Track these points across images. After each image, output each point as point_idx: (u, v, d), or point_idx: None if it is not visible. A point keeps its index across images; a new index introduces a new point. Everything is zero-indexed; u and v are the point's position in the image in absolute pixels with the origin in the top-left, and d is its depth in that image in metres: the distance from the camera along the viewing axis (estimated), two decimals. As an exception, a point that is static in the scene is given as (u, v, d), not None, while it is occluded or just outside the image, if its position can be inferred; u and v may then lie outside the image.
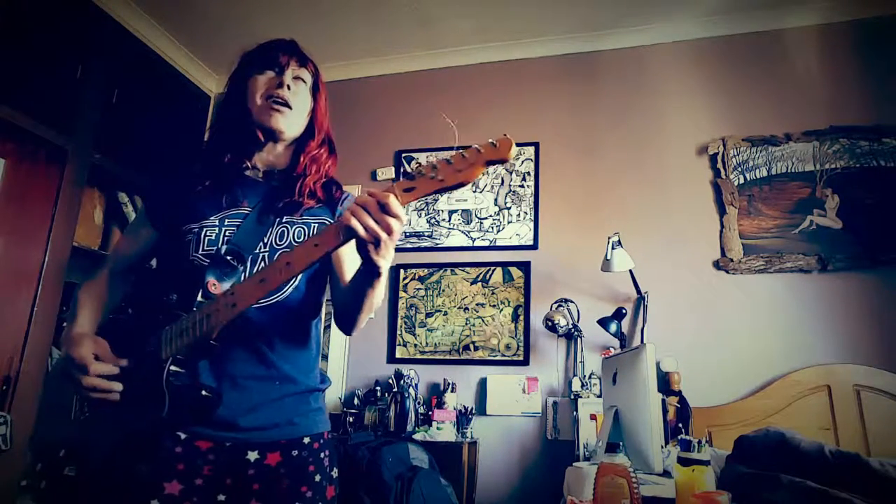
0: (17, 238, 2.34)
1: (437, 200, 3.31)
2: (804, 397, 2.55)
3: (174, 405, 0.99)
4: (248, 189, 1.18)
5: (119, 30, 3.00)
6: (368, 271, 0.98)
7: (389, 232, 0.88)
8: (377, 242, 0.89)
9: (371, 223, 0.87)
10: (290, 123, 1.18)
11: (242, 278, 1.08)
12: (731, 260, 2.81)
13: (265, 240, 1.12)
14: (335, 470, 1.15)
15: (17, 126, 2.36)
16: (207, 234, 1.11)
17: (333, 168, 1.26)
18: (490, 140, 0.85)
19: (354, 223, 0.88)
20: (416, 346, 3.12)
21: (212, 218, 1.12)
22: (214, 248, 1.09)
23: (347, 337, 3.20)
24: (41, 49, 2.50)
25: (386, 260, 0.93)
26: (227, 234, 1.11)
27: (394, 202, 0.87)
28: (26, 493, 2.03)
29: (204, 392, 1.01)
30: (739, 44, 3.09)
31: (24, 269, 2.35)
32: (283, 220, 1.15)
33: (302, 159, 1.20)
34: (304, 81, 1.21)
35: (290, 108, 1.16)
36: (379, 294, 1.05)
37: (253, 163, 1.20)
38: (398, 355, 3.12)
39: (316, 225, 1.17)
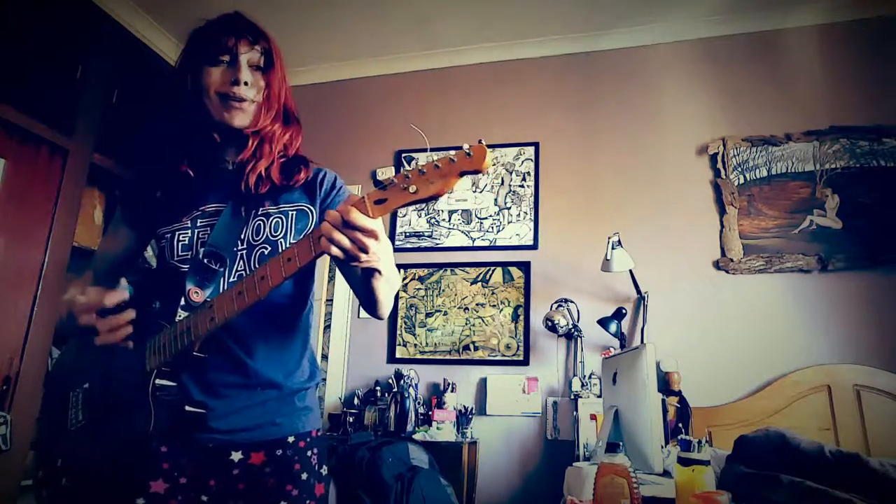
0: (17, 238, 2.34)
1: (436, 200, 3.31)
2: (804, 397, 2.55)
3: (160, 419, 0.98)
4: (219, 183, 1.13)
5: (119, 30, 3.00)
6: (367, 273, 0.95)
7: (366, 250, 0.84)
8: (355, 260, 0.85)
9: (345, 243, 0.83)
10: (250, 118, 1.10)
11: (222, 281, 1.05)
12: (731, 260, 2.81)
13: (242, 237, 1.08)
14: (325, 467, 1.14)
15: (17, 126, 2.36)
16: (180, 238, 1.07)
17: (297, 140, 1.16)
18: (465, 149, 0.79)
19: (325, 244, 0.83)
20: (416, 346, 3.12)
21: (183, 220, 1.09)
22: (189, 252, 1.06)
23: (347, 337, 3.21)
24: (41, 49, 2.50)
25: (380, 262, 0.89)
26: (201, 235, 1.07)
27: (356, 216, 0.82)
28: (28, 493, 2.03)
29: (188, 408, 0.99)
30: (740, 44, 3.09)
31: (24, 269, 2.35)
32: (259, 212, 1.10)
33: (250, 143, 1.10)
34: (259, 66, 1.11)
35: (247, 101, 1.09)
36: (388, 285, 1.00)
37: (223, 155, 1.14)
38: (398, 355, 3.12)
39: (294, 213, 1.12)
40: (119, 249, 1.20)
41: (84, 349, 1.09)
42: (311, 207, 1.14)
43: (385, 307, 1.07)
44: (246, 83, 1.08)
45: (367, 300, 1.05)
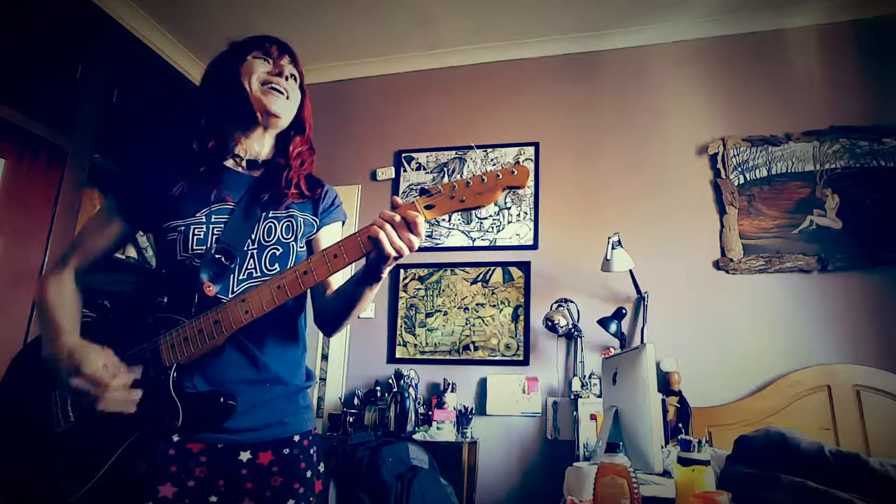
0: (17, 238, 2.34)
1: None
2: (804, 397, 2.55)
3: (188, 413, 0.98)
4: (231, 181, 1.15)
5: (119, 30, 3.00)
6: (370, 278, 1.02)
7: (412, 249, 0.95)
8: (399, 258, 0.95)
9: (398, 241, 0.94)
10: (286, 111, 1.18)
11: (232, 278, 1.07)
12: (731, 260, 2.81)
13: (253, 236, 1.11)
14: (322, 464, 1.16)
15: (17, 126, 2.36)
16: (196, 232, 1.07)
17: (311, 167, 1.27)
18: (511, 167, 0.93)
19: (382, 237, 0.93)
20: (416, 346, 3.12)
21: (197, 215, 1.09)
22: (204, 246, 1.07)
23: (347, 337, 3.21)
24: (41, 49, 2.50)
25: (390, 268, 1.00)
26: (215, 231, 1.08)
27: (422, 223, 0.93)
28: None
29: (223, 399, 1.00)
30: (739, 44, 3.09)
31: (24, 269, 2.35)
32: (270, 214, 1.14)
33: (291, 150, 1.21)
34: (296, 79, 1.21)
35: (286, 97, 1.17)
36: (371, 298, 1.09)
37: (236, 151, 1.18)
38: (398, 355, 3.11)
39: (302, 220, 1.17)
40: (108, 242, 1.17)
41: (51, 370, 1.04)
42: (315, 218, 1.20)
43: (348, 324, 1.15)
44: (287, 79, 1.17)
45: (342, 313, 1.13)
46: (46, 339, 1.06)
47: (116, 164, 2.86)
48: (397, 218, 0.93)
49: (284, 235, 1.13)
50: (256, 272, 1.09)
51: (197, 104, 1.22)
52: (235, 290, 1.07)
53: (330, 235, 1.22)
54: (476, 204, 0.94)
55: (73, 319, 1.09)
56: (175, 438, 1.02)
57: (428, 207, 0.95)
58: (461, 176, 3.31)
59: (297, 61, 1.23)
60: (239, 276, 1.08)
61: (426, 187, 0.95)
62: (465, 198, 0.93)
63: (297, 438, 1.10)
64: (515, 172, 0.93)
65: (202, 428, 1.01)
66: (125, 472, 0.99)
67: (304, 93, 1.24)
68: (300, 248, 1.16)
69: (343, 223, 1.28)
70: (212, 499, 1.02)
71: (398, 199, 0.97)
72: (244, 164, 1.19)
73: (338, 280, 1.14)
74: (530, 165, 3.23)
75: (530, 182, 0.98)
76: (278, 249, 1.12)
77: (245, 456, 1.04)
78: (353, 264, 1.01)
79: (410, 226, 0.94)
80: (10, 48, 2.36)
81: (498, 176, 0.92)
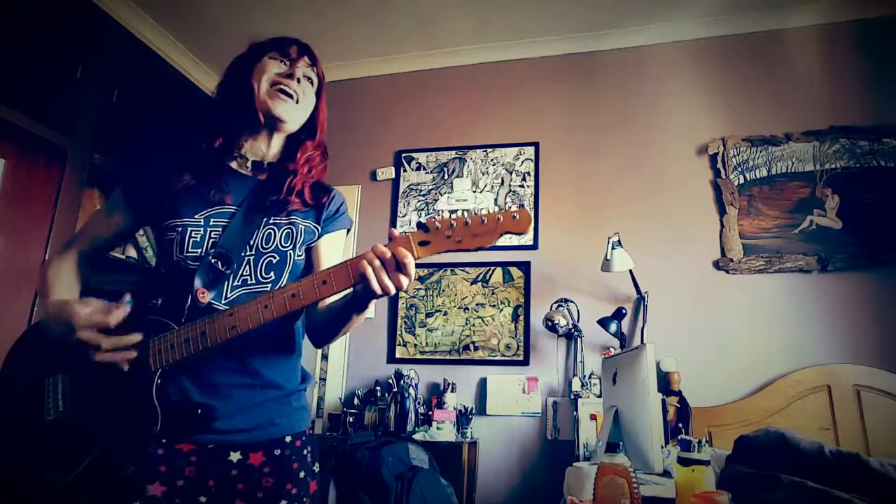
0: (17, 238, 2.34)
1: (437, 200, 3.32)
2: (804, 397, 2.55)
3: (167, 419, 0.98)
4: (234, 183, 1.13)
5: (119, 30, 3.00)
6: (357, 305, 1.02)
7: (400, 289, 0.93)
8: (385, 295, 0.93)
9: (386, 280, 0.92)
10: (293, 116, 1.15)
11: (227, 284, 1.06)
12: (731, 260, 2.81)
13: (251, 242, 1.09)
14: (317, 465, 1.15)
15: (17, 126, 2.36)
16: (192, 234, 1.06)
17: (324, 173, 1.23)
18: (513, 212, 0.90)
19: (370, 275, 0.91)
20: (416, 346, 3.12)
21: (196, 216, 1.08)
22: (200, 249, 1.05)
23: (347, 337, 3.21)
24: (41, 49, 2.50)
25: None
26: (212, 235, 1.07)
27: (411, 263, 0.91)
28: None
29: (200, 411, 0.99)
30: (739, 44, 3.09)
31: (24, 269, 2.35)
32: (270, 220, 1.12)
33: (299, 156, 1.17)
34: (312, 82, 1.18)
35: (296, 101, 1.14)
36: (358, 323, 1.09)
37: (242, 152, 1.17)
38: (398, 355, 3.11)
39: (303, 227, 1.15)
40: (112, 232, 1.18)
41: (51, 337, 1.05)
42: (317, 226, 1.18)
43: (335, 340, 1.15)
44: (299, 80, 1.15)
45: (331, 331, 1.13)
46: (44, 314, 1.07)
47: (116, 164, 2.86)
48: (388, 254, 0.91)
49: (283, 244, 1.12)
50: (251, 279, 1.08)
51: (211, 103, 1.21)
52: (229, 296, 1.06)
53: (331, 243, 1.20)
54: (473, 246, 0.91)
55: (67, 290, 1.09)
56: (164, 439, 1.01)
57: (422, 244, 0.92)
58: (462, 175, 3.31)
59: (317, 63, 1.20)
60: (234, 282, 1.07)
61: (424, 221, 0.92)
62: (462, 238, 0.91)
63: (288, 439, 1.09)
64: (517, 217, 0.91)
65: (181, 434, 1.01)
66: (111, 471, 0.98)
67: (320, 96, 1.21)
68: (298, 255, 1.14)
69: (348, 231, 1.25)
70: (201, 499, 1.02)
71: (395, 232, 0.94)
72: (249, 165, 1.17)
73: (330, 299, 1.12)
74: (530, 165, 3.23)
75: (531, 226, 0.95)
76: (275, 257, 1.10)
77: (235, 456, 1.04)
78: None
79: (400, 265, 0.91)
80: (10, 48, 2.36)
81: (499, 219, 0.91)
